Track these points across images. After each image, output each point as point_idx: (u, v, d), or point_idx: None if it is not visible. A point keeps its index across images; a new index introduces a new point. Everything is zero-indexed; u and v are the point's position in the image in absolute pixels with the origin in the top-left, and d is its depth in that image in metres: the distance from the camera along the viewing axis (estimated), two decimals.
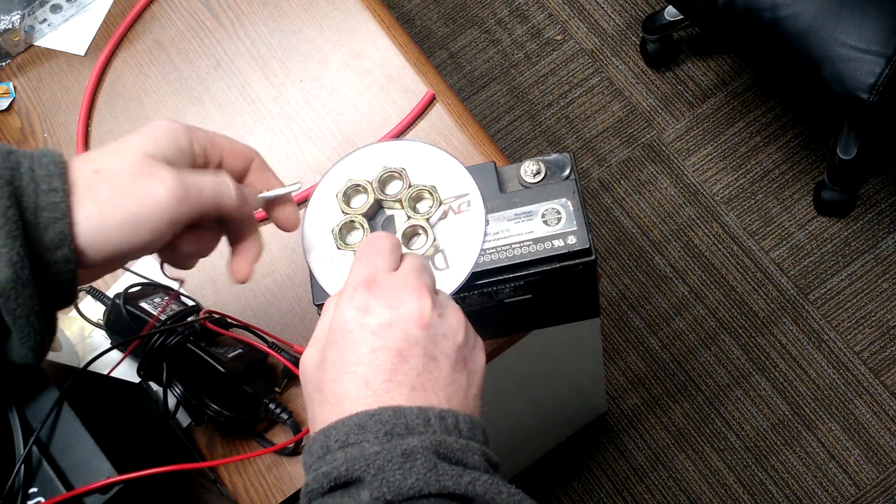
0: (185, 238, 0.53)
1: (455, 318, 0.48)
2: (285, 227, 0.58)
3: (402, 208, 0.60)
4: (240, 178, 0.56)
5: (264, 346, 0.77)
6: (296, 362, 0.77)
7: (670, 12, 1.66)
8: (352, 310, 0.47)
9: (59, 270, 0.47)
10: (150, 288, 0.79)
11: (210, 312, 0.75)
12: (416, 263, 0.50)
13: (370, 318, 0.46)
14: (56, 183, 0.46)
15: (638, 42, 1.78)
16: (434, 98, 0.85)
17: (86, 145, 0.90)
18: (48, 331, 0.48)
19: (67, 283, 0.47)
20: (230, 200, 0.52)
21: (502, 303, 0.65)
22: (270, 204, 0.58)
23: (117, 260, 0.49)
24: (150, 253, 0.51)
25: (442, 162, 0.61)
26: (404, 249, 0.59)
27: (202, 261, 0.83)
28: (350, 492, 0.42)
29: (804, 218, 1.61)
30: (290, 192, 0.59)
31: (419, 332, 0.46)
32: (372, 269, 0.48)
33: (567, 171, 0.61)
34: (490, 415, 0.50)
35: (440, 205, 0.59)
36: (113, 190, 0.47)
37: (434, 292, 0.49)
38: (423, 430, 0.43)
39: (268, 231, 0.83)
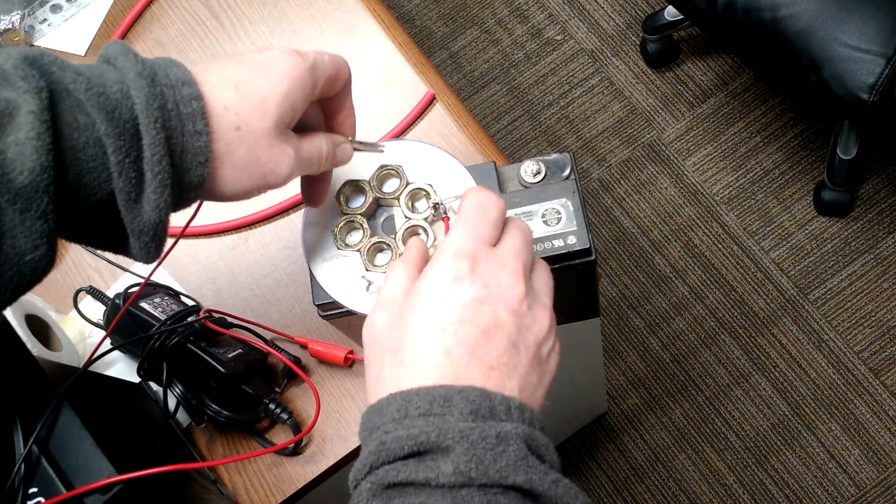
0: None
1: (542, 315, 0.48)
2: (338, 162, 0.59)
3: (400, 206, 0.60)
4: (333, 95, 0.57)
5: (265, 346, 0.77)
6: (297, 361, 0.77)
7: (670, 12, 1.66)
8: (448, 278, 0.46)
9: (186, 203, 0.51)
10: (150, 288, 0.79)
11: (210, 312, 0.75)
12: (518, 243, 0.49)
13: (465, 290, 0.46)
14: (200, 125, 0.48)
15: (638, 42, 1.78)
16: (434, 98, 0.85)
17: None
18: (160, 253, 0.51)
19: (186, 205, 0.51)
20: (322, 166, 0.56)
21: None
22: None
23: (233, 199, 0.53)
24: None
25: (442, 162, 0.61)
26: (403, 249, 0.59)
27: (202, 261, 0.83)
28: (426, 461, 0.41)
29: (804, 218, 1.61)
30: (376, 150, 0.61)
31: (508, 317, 0.46)
32: (475, 242, 0.48)
33: (567, 171, 0.61)
34: None
35: (436, 204, 0.59)
36: (249, 158, 0.50)
37: (529, 279, 0.49)
38: (505, 417, 0.43)
39: (268, 231, 0.84)
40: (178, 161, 0.47)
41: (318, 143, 0.55)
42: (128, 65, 0.47)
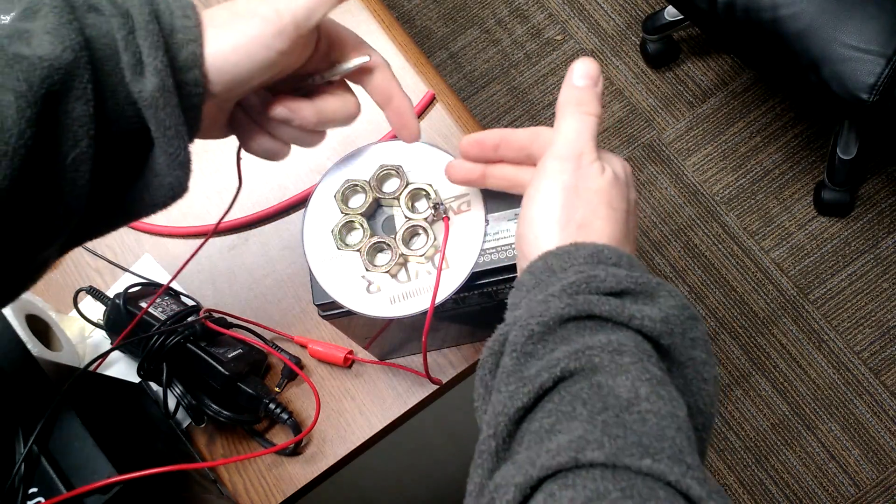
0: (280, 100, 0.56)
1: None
2: (404, 136, 0.59)
3: (400, 206, 0.60)
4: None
5: (265, 346, 0.77)
6: (297, 361, 0.77)
7: (670, 12, 1.66)
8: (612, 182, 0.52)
9: (189, 93, 0.50)
10: (150, 288, 0.79)
11: (210, 312, 0.75)
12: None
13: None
14: (189, 11, 0.50)
15: (638, 42, 1.78)
16: (434, 98, 0.85)
17: None
18: (189, 159, 0.50)
19: (196, 108, 0.50)
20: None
21: (502, 303, 0.65)
22: (391, 111, 0.59)
23: (236, 88, 0.52)
24: (265, 82, 0.53)
25: (442, 162, 0.61)
26: (403, 249, 0.59)
27: (202, 261, 0.83)
28: (635, 303, 0.45)
29: (804, 218, 1.61)
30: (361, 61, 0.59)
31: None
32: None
33: None
34: None
35: (436, 204, 0.59)
36: (229, 15, 0.51)
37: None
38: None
39: (268, 231, 0.84)
40: (167, 38, 0.49)
41: None
42: None
